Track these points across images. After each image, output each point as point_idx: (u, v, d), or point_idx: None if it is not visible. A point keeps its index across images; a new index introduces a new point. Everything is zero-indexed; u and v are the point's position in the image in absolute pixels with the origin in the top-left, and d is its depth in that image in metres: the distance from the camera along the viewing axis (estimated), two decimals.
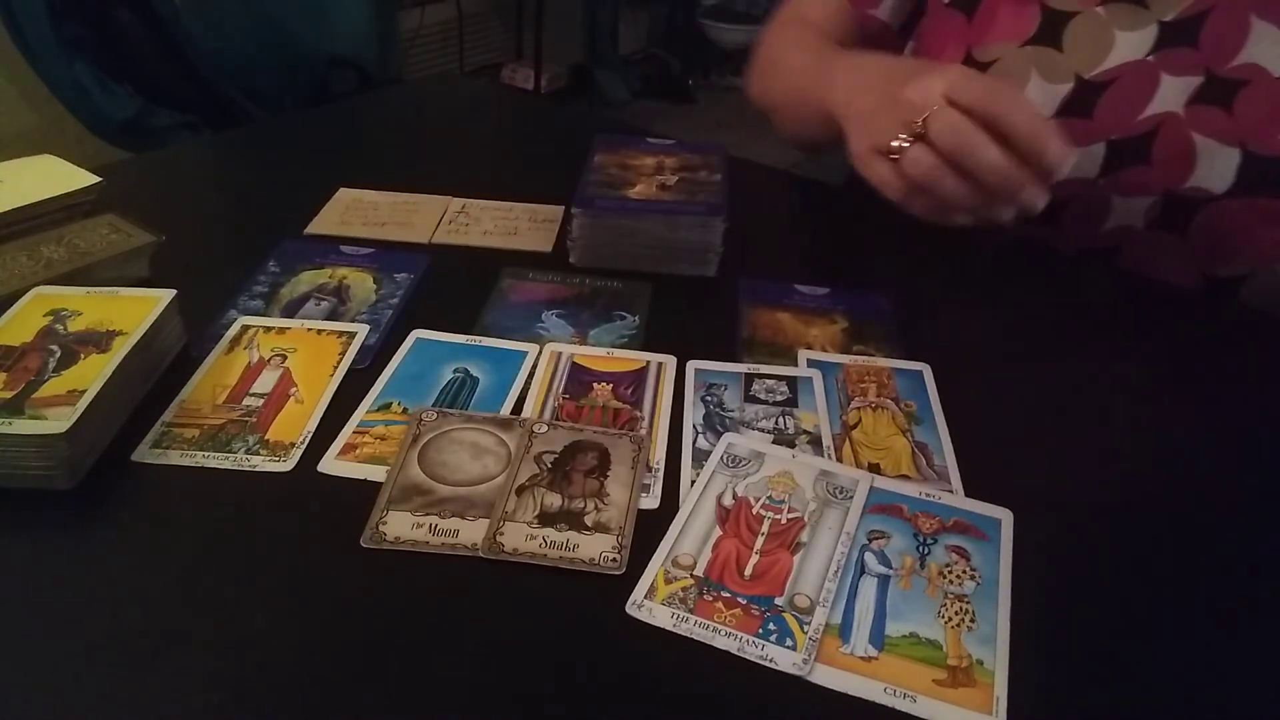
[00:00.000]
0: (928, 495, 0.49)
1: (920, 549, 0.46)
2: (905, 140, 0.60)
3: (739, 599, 0.43)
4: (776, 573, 0.45)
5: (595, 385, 0.57)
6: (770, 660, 0.41)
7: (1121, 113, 0.71)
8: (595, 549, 0.45)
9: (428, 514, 0.47)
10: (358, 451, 0.51)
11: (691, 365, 0.59)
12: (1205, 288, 0.73)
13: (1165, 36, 0.70)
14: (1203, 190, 0.70)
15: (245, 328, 0.61)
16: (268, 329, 0.61)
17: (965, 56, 0.78)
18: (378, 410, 0.54)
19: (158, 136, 1.96)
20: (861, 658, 0.41)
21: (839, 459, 0.52)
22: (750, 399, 0.56)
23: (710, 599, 0.43)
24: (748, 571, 0.45)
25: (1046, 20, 0.74)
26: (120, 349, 0.52)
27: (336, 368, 0.57)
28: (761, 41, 0.92)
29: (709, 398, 0.56)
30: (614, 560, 0.45)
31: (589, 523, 0.47)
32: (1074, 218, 0.75)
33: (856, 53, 0.76)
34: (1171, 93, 0.70)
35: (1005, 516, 0.48)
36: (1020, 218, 0.62)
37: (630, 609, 0.43)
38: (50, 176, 0.68)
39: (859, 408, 0.56)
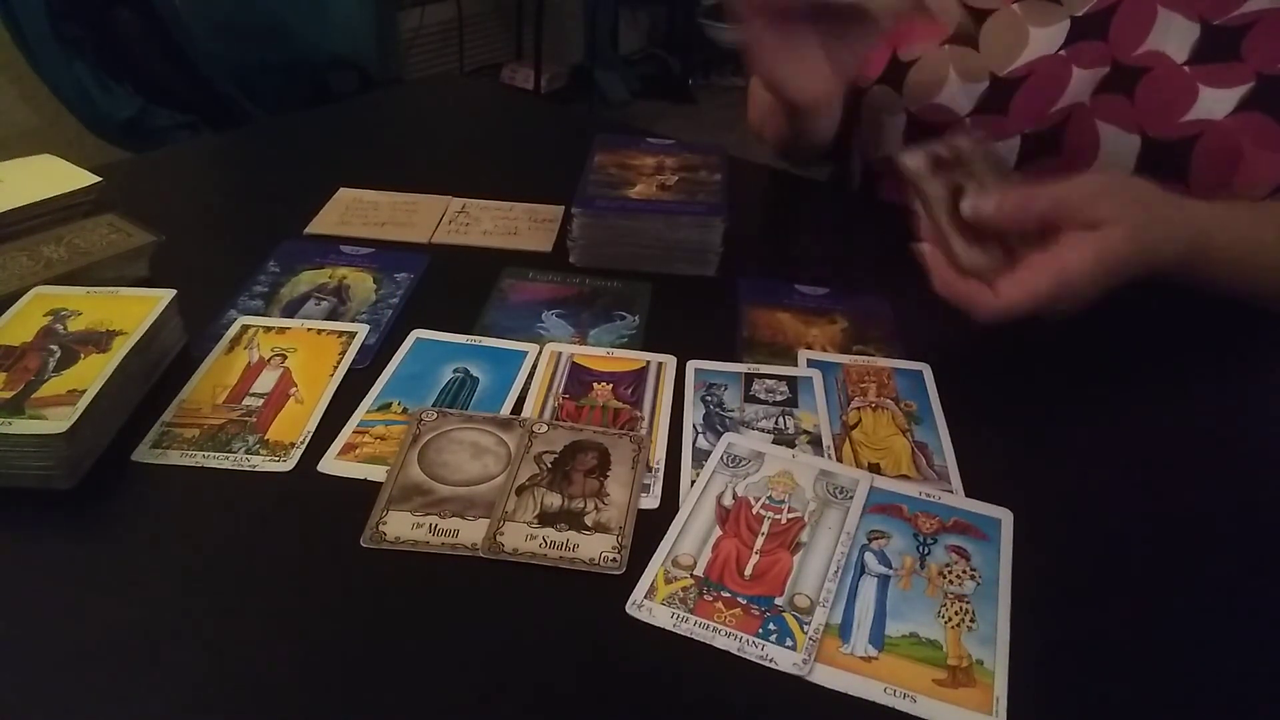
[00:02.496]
0: (928, 495, 0.49)
1: (920, 549, 0.46)
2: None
3: (739, 599, 0.43)
4: (776, 573, 0.45)
5: (595, 385, 0.57)
6: (770, 660, 0.41)
7: (1035, 107, 0.73)
8: (595, 549, 0.45)
9: (428, 514, 0.47)
10: (358, 451, 0.51)
11: (691, 365, 0.59)
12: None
13: (1077, 30, 0.72)
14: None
15: (245, 328, 0.61)
16: (268, 329, 0.61)
17: (891, 56, 0.79)
18: (378, 410, 0.54)
19: (158, 136, 1.96)
20: (861, 658, 0.41)
21: (839, 459, 0.52)
22: (750, 399, 0.56)
23: (710, 599, 0.43)
24: (748, 571, 0.45)
25: (965, 19, 0.76)
26: (120, 349, 0.52)
27: (336, 368, 0.57)
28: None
29: (709, 398, 0.56)
30: (614, 560, 0.45)
31: (589, 523, 0.47)
32: None
33: None
34: (1081, 84, 0.72)
35: (1005, 517, 0.48)
36: None
37: (630, 609, 0.43)
38: (50, 176, 0.68)
39: (859, 408, 0.56)
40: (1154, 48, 0.69)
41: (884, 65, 0.80)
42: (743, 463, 0.51)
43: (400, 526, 0.46)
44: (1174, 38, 0.69)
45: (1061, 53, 0.72)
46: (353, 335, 0.60)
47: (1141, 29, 0.70)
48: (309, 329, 0.61)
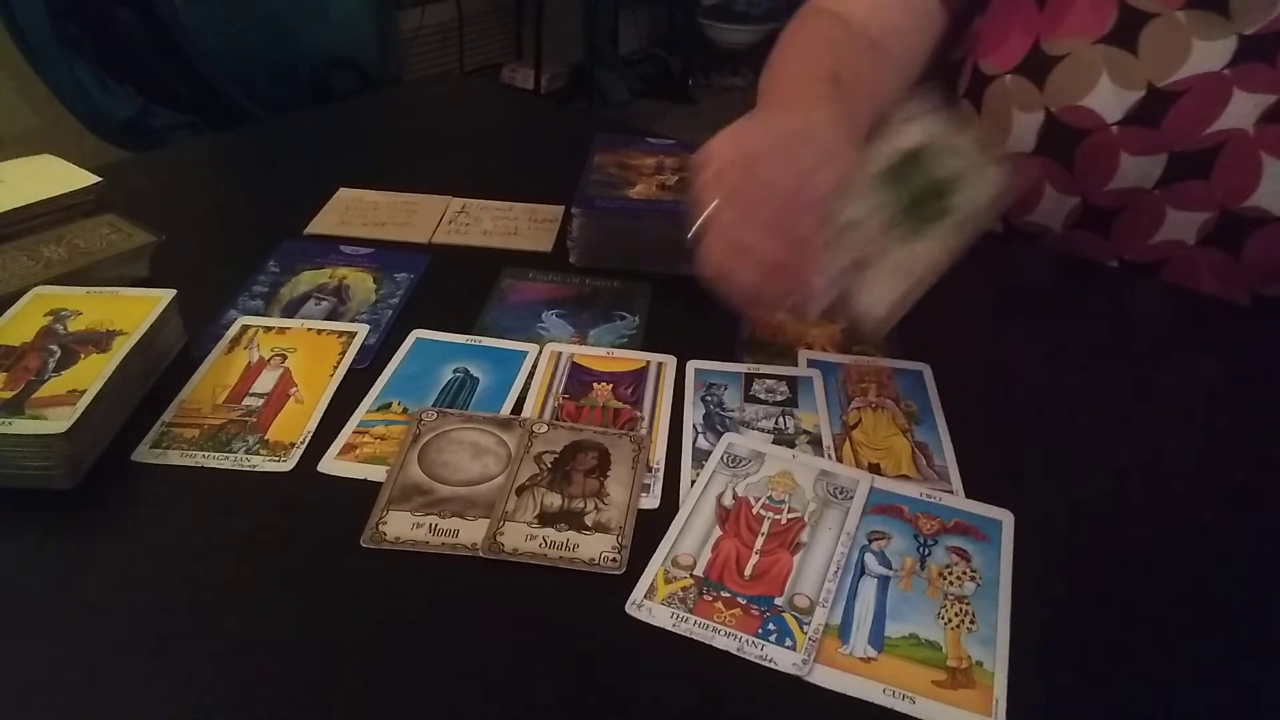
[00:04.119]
0: (928, 496, 0.49)
1: (920, 550, 0.46)
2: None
3: (739, 599, 0.43)
4: (776, 573, 0.45)
5: (595, 385, 0.57)
6: (770, 660, 0.40)
7: (1189, 125, 0.68)
8: (595, 549, 0.45)
9: (428, 514, 0.47)
10: (358, 451, 0.51)
11: (691, 365, 0.59)
12: (1253, 306, 0.71)
13: (1244, 50, 0.66)
14: (1262, 210, 0.68)
15: (245, 328, 0.61)
16: (268, 329, 0.61)
17: (1033, 46, 0.74)
18: (378, 410, 0.54)
19: (158, 136, 1.96)
20: (861, 658, 0.41)
21: (839, 459, 0.52)
22: (750, 399, 0.56)
23: (710, 599, 0.43)
24: (747, 571, 0.45)
25: (1123, 19, 0.70)
26: (120, 349, 0.52)
27: (336, 368, 0.57)
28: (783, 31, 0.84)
29: (709, 398, 0.56)
30: (614, 560, 0.45)
31: (589, 523, 0.47)
32: (1124, 227, 0.73)
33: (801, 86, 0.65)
34: (1242, 109, 0.67)
35: (1006, 518, 0.48)
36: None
37: (630, 609, 0.43)
38: (50, 176, 0.68)
39: (859, 408, 0.56)
40: None
41: (1023, 54, 0.74)
42: (743, 463, 0.51)
43: (400, 526, 0.46)
44: None
45: (1225, 71, 0.67)
46: (353, 335, 0.60)
47: None
48: (309, 329, 0.61)
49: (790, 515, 0.48)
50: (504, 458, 0.51)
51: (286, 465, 0.50)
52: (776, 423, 0.55)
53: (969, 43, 0.81)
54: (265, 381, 0.56)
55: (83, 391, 0.49)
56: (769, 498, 0.49)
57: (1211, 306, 0.69)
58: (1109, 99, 0.71)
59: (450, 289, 0.68)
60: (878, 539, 0.47)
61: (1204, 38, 0.68)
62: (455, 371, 0.58)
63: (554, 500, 0.48)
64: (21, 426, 0.46)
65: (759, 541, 0.46)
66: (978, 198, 0.43)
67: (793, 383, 0.58)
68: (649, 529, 0.47)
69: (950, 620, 0.43)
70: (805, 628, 0.42)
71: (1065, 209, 0.75)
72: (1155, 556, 0.48)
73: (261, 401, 0.54)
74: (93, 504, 0.47)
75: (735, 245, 0.51)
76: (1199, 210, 0.70)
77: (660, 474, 0.51)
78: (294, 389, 0.56)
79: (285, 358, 0.58)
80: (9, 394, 0.48)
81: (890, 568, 0.45)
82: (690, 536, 0.46)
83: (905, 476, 0.51)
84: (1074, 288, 0.73)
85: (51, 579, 0.43)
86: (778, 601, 0.43)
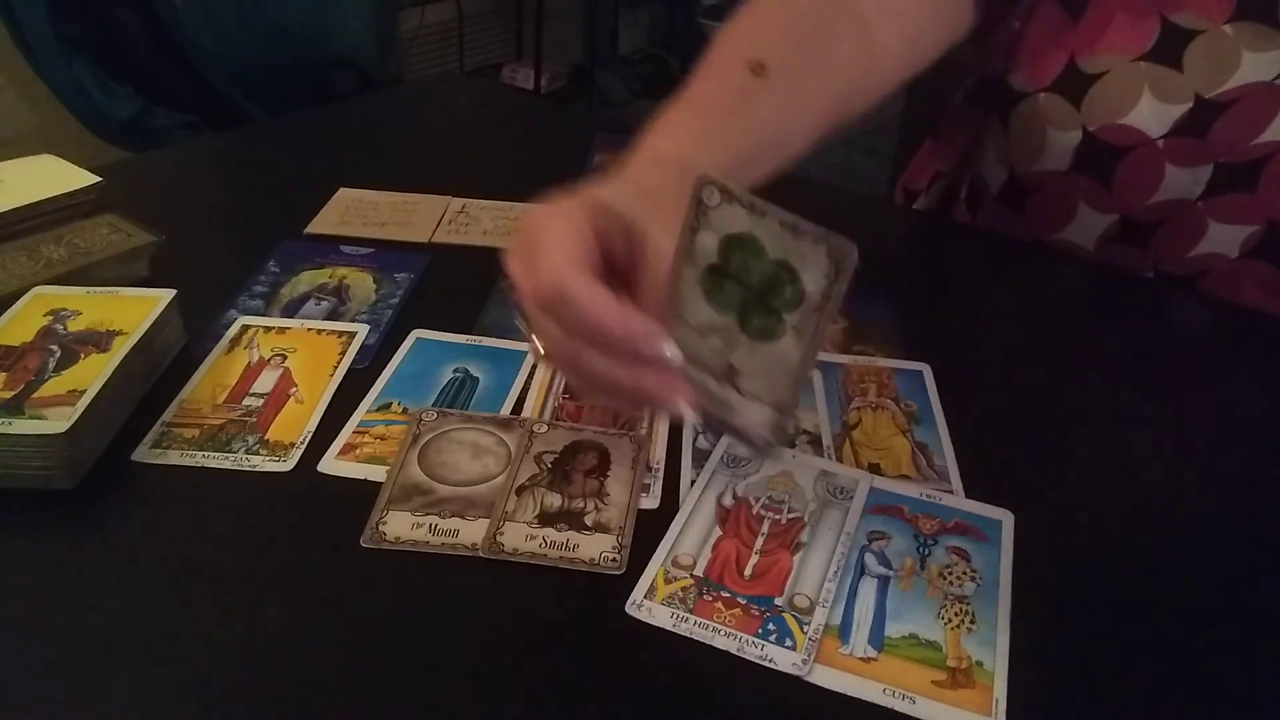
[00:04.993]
0: (928, 496, 0.49)
1: (920, 550, 0.46)
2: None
3: (739, 599, 0.43)
4: (776, 573, 0.45)
5: None
6: (769, 660, 0.40)
7: (1236, 135, 0.66)
8: (595, 549, 0.45)
9: (428, 514, 0.47)
10: (358, 451, 0.51)
11: None
12: None
13: None
14: None
15: (245, 328, 0.61)
16: (268, 329, 0.61)
17: (1068, 64, 0.71)
18: (378, 410, 0.54)
19: (158, 136, 1.96)
20: (861, 658, 0.41)
21: (839, 459, 0.52)
22: None
23: (710, 599, 0.43)
24: (747, 571, 0.45)
25: (1166, 36, 0.67)
26: (120, 349, 0.52)
27: (336, 368, 0.57)
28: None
29: None
30: (614, 560, 0.45)
31: (589, 523, 0.47)
32: (1164, 240, 0.71)
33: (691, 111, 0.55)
34: None
35: (1006, 518, 0.48)
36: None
37: (630, 609, 0.43)
38: (50, 176, 0.68)
39: (859, 408, 0.56)
40: None
41: (1058, 71, 0.71)
42: (743, 463, 0.51)
43: (400, 526, 0.46)
44: None
45: (1277, 82, 0.65)
46: (353, 335, 0.60)
47: None
48: (309, 329, 0.61)
49: (790, 515, 0.48)
50: (504, 458, 0.51)
51: (286, 465, 0.50)
52: None
53: (1004, 56, 0.77)
54: (265, 381, 0.56)
55: (83, 391, 0.49)
56: (769, 498, 0.49)
57: (1226, 313, 0.69)
58: (1152, 115, 0.68)
59: (450, 289, 0.68)
60: (878, 539, 0.47)
61: (1254, 50, 0.65)
62: (455, 371, 0.58)
63: (554, 500, 0.48)
64: (21, 426, 0.46)
65: (759, 541, 0.46)
66: (819, 281, 0.39)
67: None
68: (649, 529, 0.47)
69: (950, 620, 0.43)
70: (805, 628, 0.42)
71: (1101, 226, 0.73)
72: (1156, 556, 0.48)
73: (261, 401, 0.54)
74: (93, 504, 0.47)
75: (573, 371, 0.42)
76: (1244, 223, 0.69)
77: (660, 474, 0.51)
78: (294, 389, 0.56)
79: (285, 358, 0.58)
80: (9, 394, 0.48)
81: (890, 568, 0.45)
82: (690, 536, 0.46)
83: (905, 476, 0.51)
84: (1077, 288, 0.73)
85: (51, 579, 0.43)
86: (778, 601, 0.43)
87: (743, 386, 0.39)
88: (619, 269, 0.42)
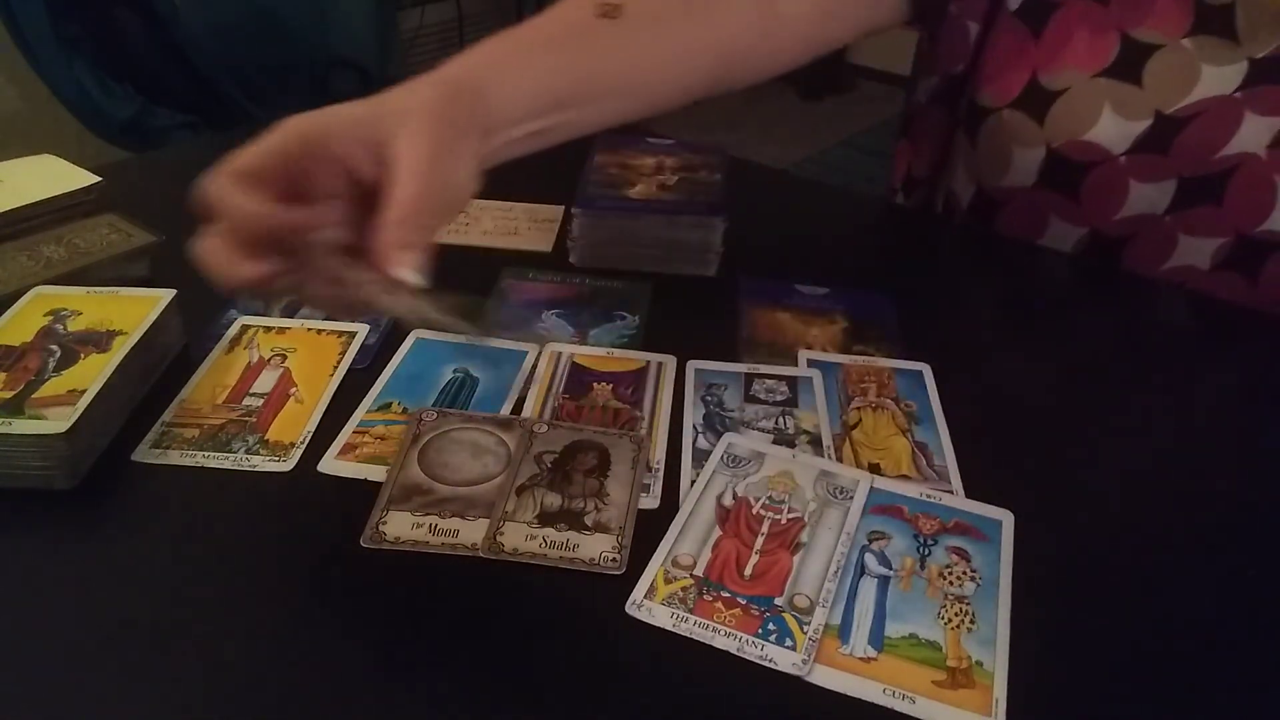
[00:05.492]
0: (928, 496, 0.49)
1: (920, 550, 0.46)
2: None
3: (739, 599, 0.43)
4: (776, 573, 0.45)
5: (595, 385, 0.57)
6: (769, 660, 0.40)
7: (1199, 150, 0.67)
8: (595, 549, 0.45)
9: (428, 514, 0.47)
10: (358, 451, 0.51)
11: (691, 365, 0.59)
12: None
13: (1255, 74, 0.65)
14: (1277, 235, 0.67)
15: (245, 327, 0.61)
16: (268, 329, 0.61)
17: (1030, 80, 0.71)
18: (378, 410, 0.54)
19: (158, 136, 1.96)
20: (861, 658, 0.41)
21: (839, 459, 0.52)
22: (750, 399, 0.56)
23: (710, 599, 0.43)
24: (747, 571, 0.45)
25: (1126, 51, 0.67)
26: (120, 349, 0.52)
27: (336, 368, 0.57)
28: None
29: (709, 398, 0.56)
30: (614, 560, 0.45)
31: (589, 523, 0.47)
32: (1136, 254, 0.72)
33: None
34: (1254, 132, 0.65)
35: (1006, 518, 0.48)
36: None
37: (630, 609, 0.43)
38: (50, 176, 0.68)
39: (859, 408, 0.56)
40: None
41: (1018, 88, 0.72)
42: (743, 463, 0.51)
43: (400, 526, 0.46)
44: None
45: (1236, 94, 0.65)
46: (353, 335, 0.60)
47: None
48: (309, 329, 0.61)
49: (790, 515, 0.48)
50: (504, 458, 0.51)
51: (286, 465, 0.50)
52: (776, 423, 0.55)
53: (968, 59, 0.77)
54: (265, 381, 0.56)
55: (83, 391, 0.49)
56: (769, 498, 0.49)
57: (1225, 312, 0.69)
58: (1114, 131, 0.69)
59: (450, 289, 0.67)
60: (878, 539, 0.47)
61: (1213, 63, 0.66)
62: (455, 371, 0.58)
63: (554, 500, 0.48)
64: (21, 426, 0.46)
65: (759, 541, 0.46)
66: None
67: (793, 383, 0.58)
68: (649, 529, 0.47)
69: (950, 620, 0.43)
70: (805, 628, 0.42)
71: (1072, 240, 0.74)
72: (1155, 556, 0.48)
73: (261, 401, 0.54)
74: (93, 504, 0.47)
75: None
76: (1213, 236, 0.69)
77: (660, 474, 0.51)
78: (294, 389, 0.56)
79: (285, 358, 0.58)
80: (9, 394, 0.48)
81: (890, 568, 0.45)
82: (690, 536, 0.46)
83: (905, 476, 0.51)
84: (1076, 288, 0.73)
85: (51, 579, 0.43)
86: (778, 601, 0.43)
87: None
88: (370, 189, 0.42)
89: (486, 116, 0.47)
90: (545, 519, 0.47)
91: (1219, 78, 0.66)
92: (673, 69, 0.57)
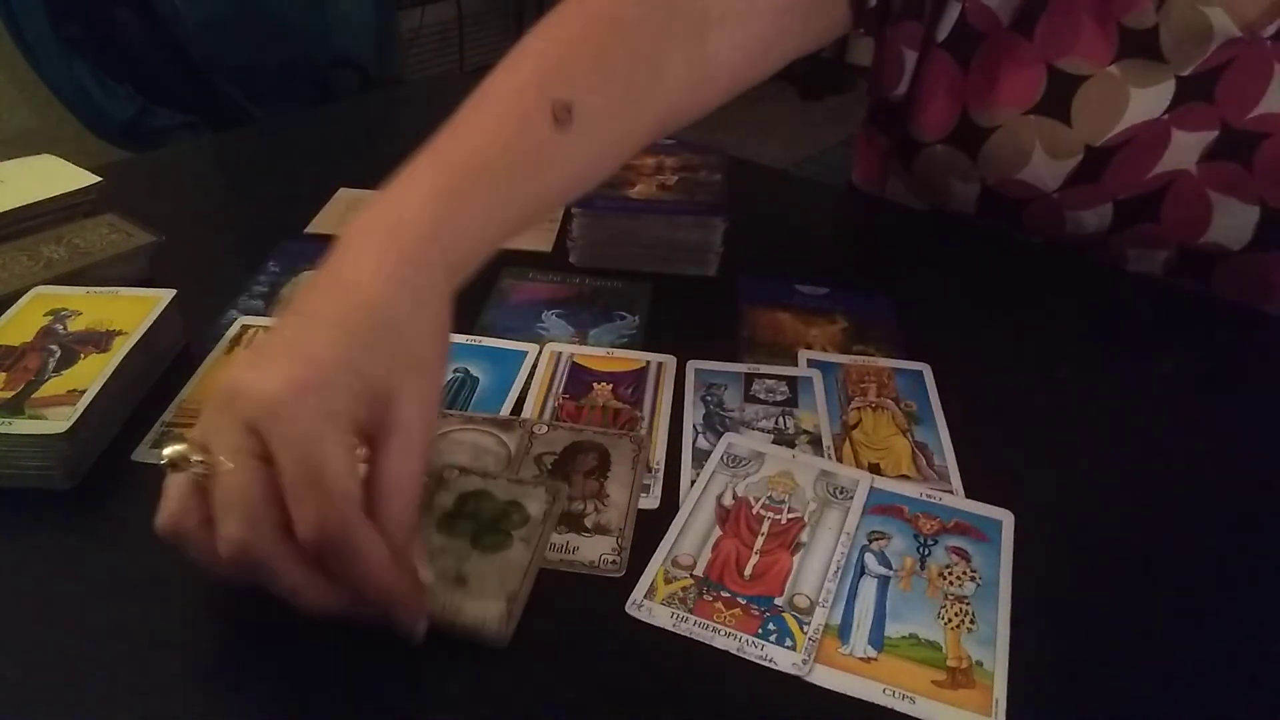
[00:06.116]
0: (928, 496, 0.49)
1: (920, 550, 0.46)
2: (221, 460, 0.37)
3: (739, 599, 0.43)
4: (776, 573, 0.45)
5: (595, 385, 0.57)
6: (770, 660, 0.40)
7: (1130, 173, 0.67)
8: (595, 551, 0.45)
9: None
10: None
11: (691, 365, 0.59)
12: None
13: (1183, 93, 0.65)
14: (1219, 246, 0.67)
15: (245, 328, 0.61)
16: (268, 329, 0.61)
17: (962, 115, 0.71)
18: None
19: (158, 136, 1.97)
20: (861, 658, 0.41)
21: (839, 459, 0.52)
22: (750, 399, 0.56)
23: (710, 599, 0.43)
24: (747, 571, 0.45)
25: (1053, 85, 0.67)
26: (120, 349, 0.52)
27: None
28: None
29: (709, 398, 0.56)
30: (614, 563, 0.45)
31: (589, 525, 0.47)
32: (1096, 264, 0.73)
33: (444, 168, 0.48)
34: (1183, 149, 0.66)
35: (1006, 518, 0.48)
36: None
37: (630, 609, 0.43)
38: (50, 176, 0.68)
39: (859, 408, 0.56)
40: (1271, 110, 0.62)
41: (951, 122, 0.72)
42: (743, 463, 0.51)
43: None
44: None
45: (1164, 116, 0.65)
46: None
47: (1255, 90, 0.63)
48: None
49: (790, 515, 0.48)
50: (504, 458, 0.51)
51: None
52: (776, 423, 0.55)
53: (903, 87, 0.74)
54: None
55: (83, 391, 0.49)
56: (769, 498, 0.49)
57: (1218, 311, 0.69)
58: (1046, 170, 0.69)
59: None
60: (878, 539, 0.47)
61: (1141, 85, 0.65)
62: (455, 371, 0.58)
63: None
64: (21, 426, 0.46)
65: (759, 541, 0.46)
66: (541, 507, 0.46)
67: (793, 383, 0.58)
68: (649, 529, 0.47)
69: (950, 620, 0.43)
70: (805, 628, 0.42)
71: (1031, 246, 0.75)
72: (1156, 556, 0.48)
73: None
74: (93, 504, 0.47)
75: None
76: (1158, 249, 0.70)
77: (660, 474, 0.51)
78: None
79: None
80: (9, 394, 0.48)
81: (890, 568, 0.45)
82: (690, 536, 0.46)
83: (905, 476, 0.51)
84: (1076, 287, 0.73)
85: (51, 579, 0.43)
86: (778, 601, 0.43)
87: (472, 588, 0.42)
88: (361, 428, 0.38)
89: (450, 272, 0.44)
90: None
91: (1148, 99, 0.65)
92: (618, 151, 0.55)
